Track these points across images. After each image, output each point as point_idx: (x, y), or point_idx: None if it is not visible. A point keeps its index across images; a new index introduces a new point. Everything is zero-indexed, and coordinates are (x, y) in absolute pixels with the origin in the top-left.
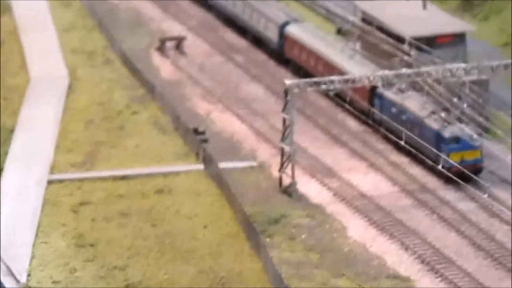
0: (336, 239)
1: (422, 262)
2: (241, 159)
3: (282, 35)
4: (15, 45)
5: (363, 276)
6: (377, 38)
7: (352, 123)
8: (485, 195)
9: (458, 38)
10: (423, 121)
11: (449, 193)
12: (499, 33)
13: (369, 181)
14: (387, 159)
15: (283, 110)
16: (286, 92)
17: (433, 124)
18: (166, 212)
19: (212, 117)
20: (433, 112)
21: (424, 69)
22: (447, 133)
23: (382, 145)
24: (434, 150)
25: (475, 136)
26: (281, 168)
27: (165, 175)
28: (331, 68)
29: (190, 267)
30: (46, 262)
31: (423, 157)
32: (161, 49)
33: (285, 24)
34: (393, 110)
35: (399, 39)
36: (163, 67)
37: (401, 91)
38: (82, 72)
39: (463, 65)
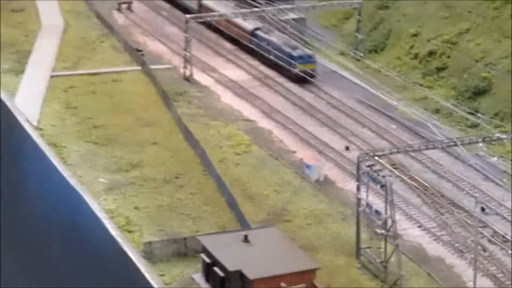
0: (214, 103)
1: (263, 113)
2: (162, 64)
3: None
4: (33, 9)
5: (228, 120)
6: None
7: (228, 45)
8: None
9: None
10: (281, 47)
11: (294, 87)
12: None
13: (235, 74)
14: (246, 62)
15: (185, 32)
16: (186, 22)
17: (287, 49)
18: (118, 90)
19: (147, 43)
20: (286, 42)
21: (265, 8)
22: (295, 53)
23: (243, 55)
24: (289, 62)
25: (312, 54)
26: (184, 66)
27: (118, 72)
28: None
29: (131, 117)
30: (48, 115)
31: (282, 66)
32: (119, 9)
33: None
34: (264, 43)
35: None
36: (119, 18)
37: (269, 31)
38: (72, 22)
39: (289, 6)
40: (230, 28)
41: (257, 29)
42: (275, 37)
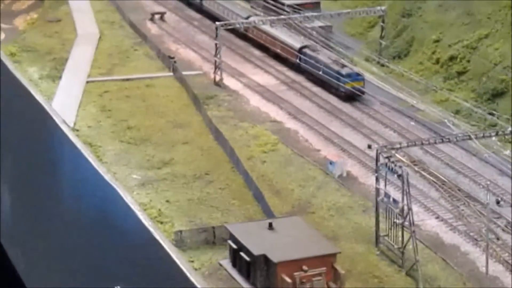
0: (243, 106)
1: (290, 114)
2: (193, 70)
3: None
4: (69, 19)
5: (256, 121)
6: (272, 5)
7: (257, 52)
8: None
9: (317, 4)
10: (329, 65)
11: (320, 91)
12: (335, 3)
13: (263, 79)
14: (274, 68)
15: (215, 38)
16: (216, 29)
17: (335, 67)
18: (151, 95)
19: (179, 51)
20: (334, 61)
21: (291, 16)
22: (344, 71)
23: (272, 62)
24: (337, 79)
25: (361, 72)
26: (215, 72)
27: (151, 78)
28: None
29: (162, 120)
30: (84, 118)
31: (331, 84)
32: (151, 19)
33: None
34: (312, 61)
35: (283, 5)
36: (152, 28)
37: (317, 50)
38: (107, 32)
39: (315, 14)
40: (276, 45)
41: (304, 47)
42: (323, 55)
